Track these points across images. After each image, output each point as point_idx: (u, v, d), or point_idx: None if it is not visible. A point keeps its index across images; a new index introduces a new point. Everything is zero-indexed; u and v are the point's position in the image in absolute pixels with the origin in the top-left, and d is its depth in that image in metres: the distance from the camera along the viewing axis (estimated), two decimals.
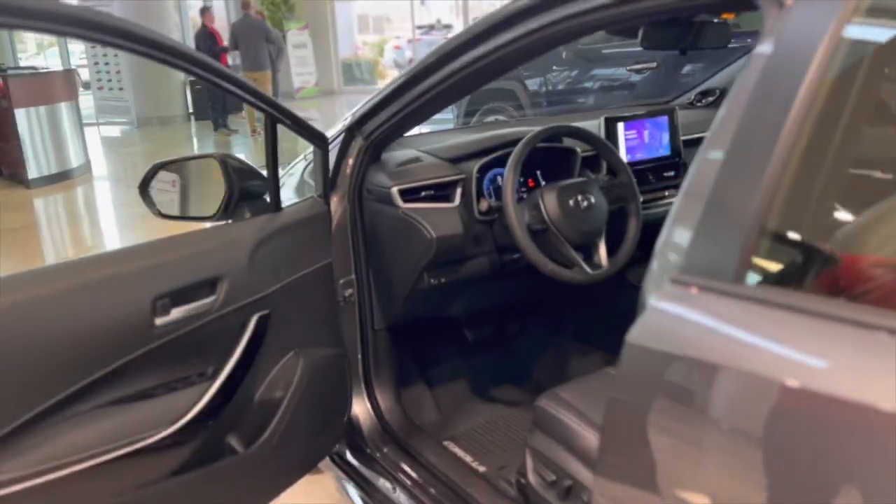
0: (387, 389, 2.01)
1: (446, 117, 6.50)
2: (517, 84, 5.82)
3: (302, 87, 14.68)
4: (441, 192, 1.85)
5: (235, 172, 1.59)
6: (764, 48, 0.83)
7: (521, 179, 1.96)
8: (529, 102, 5.86)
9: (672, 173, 2.22)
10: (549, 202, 1.78)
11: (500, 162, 1.98)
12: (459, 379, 2.34)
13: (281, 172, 1.88)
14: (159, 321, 1.29)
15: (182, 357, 1.35)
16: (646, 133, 2.14)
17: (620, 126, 2.09)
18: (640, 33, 1.62)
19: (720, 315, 0.80)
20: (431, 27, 17.26)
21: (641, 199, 1.93)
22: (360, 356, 1.95)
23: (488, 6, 9.83)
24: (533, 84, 5.97)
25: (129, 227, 5.93)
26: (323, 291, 1.77)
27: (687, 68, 5.12)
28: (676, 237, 0.89)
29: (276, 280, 1.55)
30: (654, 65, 5.32)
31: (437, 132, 2.36)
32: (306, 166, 2.06)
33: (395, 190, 1.79)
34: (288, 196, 1.86)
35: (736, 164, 0.82)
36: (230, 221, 1.61)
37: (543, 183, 2.07)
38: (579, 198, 1.79)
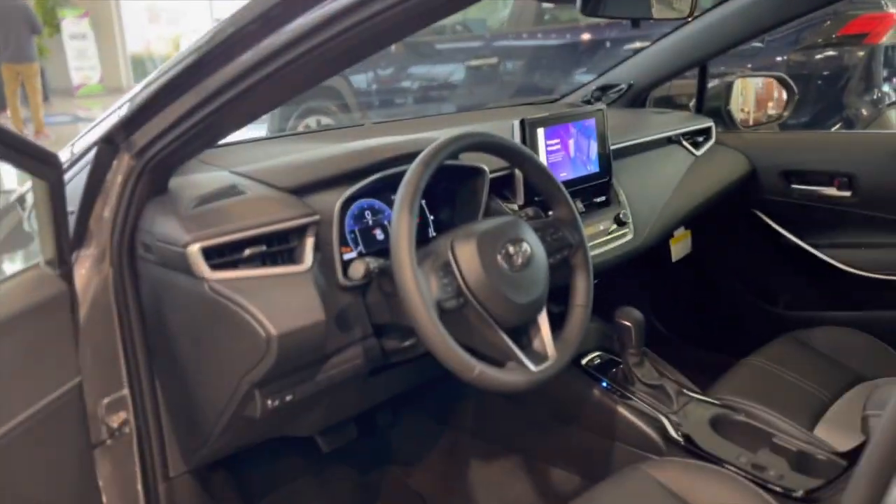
0: None
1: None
2: (341, 80, 5.05)
3: (83, 84, 12.82)
4: (280, 246, 1.08)
5: None
6: None
7: None
8: (356, 102, 5.12)
9: (602, 198, 1.59)
10: (466, 260, 1.07)
11: (374, 191, 1.24)
12: None
13: None
14: None
15: None
16: (571, 143, 1.49)
17: (541, 133, 1.43)
18: None
19: None
20: None
21: None
22: None
23: None
24: (359, 81, 5.23)
25: None
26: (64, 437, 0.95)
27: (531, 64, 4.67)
28: None
29: None
30: (495, 60, 4.81)
31: (257, 141, 1.57)
32: (28, 210, 1.20)
33: (195, 249, 0.99)
34: None
35: None
36: None
37: (432, 221, 1.36)
38: (510, 249, 1.10)
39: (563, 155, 1.48)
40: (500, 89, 4.75)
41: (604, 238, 1.51)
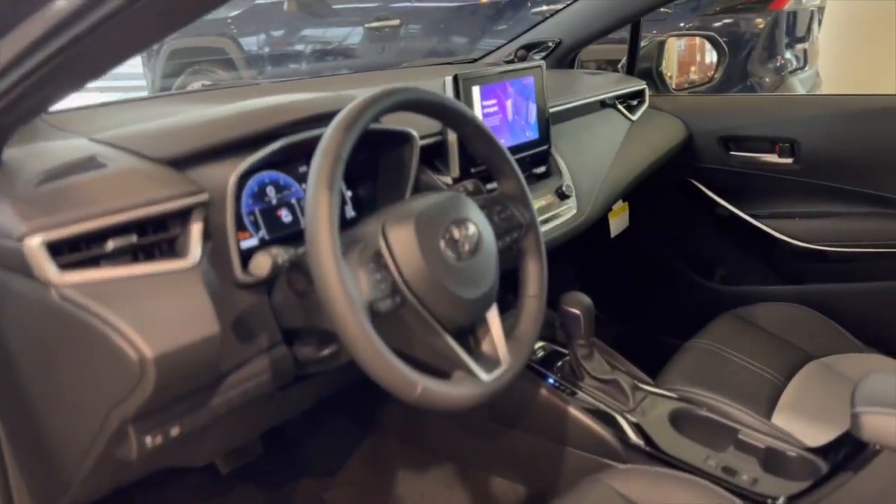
0: None
1: (135, 84, 5.10)
2: (228, 41, 4.64)
3: None
4: (156, 236, 0.83)
5: None
6: None
7: None
8: (245, 64, 4.72)
9: (542, 169, 1.40)
10: (403, 248, 0.84)
11: (279, 162, 1.00)
12: None
13: None
14: None
15: None
16: (509, 104, 1.28)
17: (476, 92, 1.21)
18: None
19: None
20: None
21: None
22: None
23: None
24: (249, 43, 4.82)
25: None
26: None
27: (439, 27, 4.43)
28: None
29: None
30: (397, 22, 4.53)
31: (128, 102, 1.29)
32: None
33: (35, 243, 0.73)
34: None
35: None
36: None
37: (350, 199, 1.13)
38: (455, 233, 0.89)
39: (501, 118, 1.27)
40: (403, 54, 4.49)
41: (547, 215, 1.32)
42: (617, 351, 1.42)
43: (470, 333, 0.94)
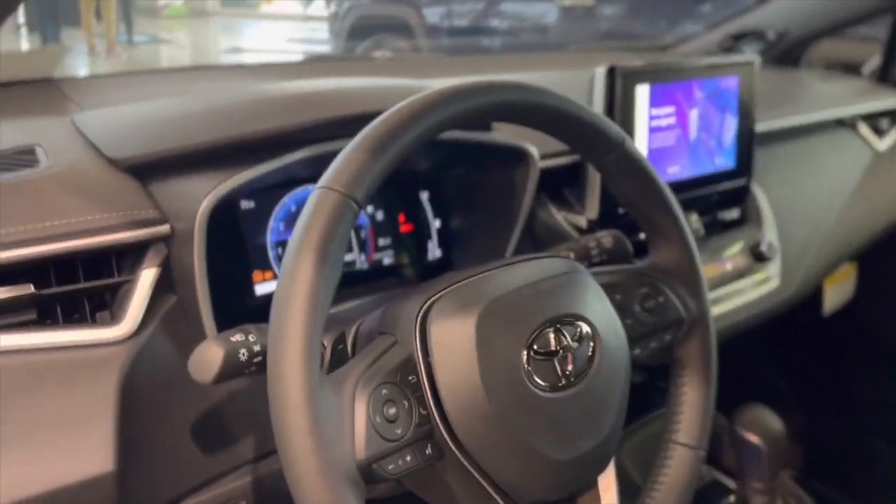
0: None
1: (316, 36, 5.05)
2: (411, 11, 4.41)
3: (168, 4, 12.56)
4: (85, 284, 0.53)
5: None
6: None
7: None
8: (426, 39, 4.47)
9: (735, 214, 0.96)
10: (450, 361, 0.48)
11: (313, 176, 0.68)
12: None
13: None
14: None
15: None
16: (693, 115, 0.86)
17: (643, 93, 0.80)
18: None
19: None
20: None
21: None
22: None
23: None
24: (432, 14, 4.57)
25: None
26: None
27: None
28: None
29: None
30: (591, 2, 4.09)
31: (175, 72, 1.05)
32: None
33: None
34: None
35: None
36: None
37: (437, 231, 0.78)
38: (551, 340, 0.50)
39: (678, 135, 0.85)
40: (592, 39, 4.04)
41: (732, 287, 0.88)
42: (822, 483, 0.95)
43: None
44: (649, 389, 1.01)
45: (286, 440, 0.40)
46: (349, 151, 0.45)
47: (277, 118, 0.60)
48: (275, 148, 0.60)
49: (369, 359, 0.47)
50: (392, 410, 0.46)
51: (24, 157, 0.58)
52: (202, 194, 0.55)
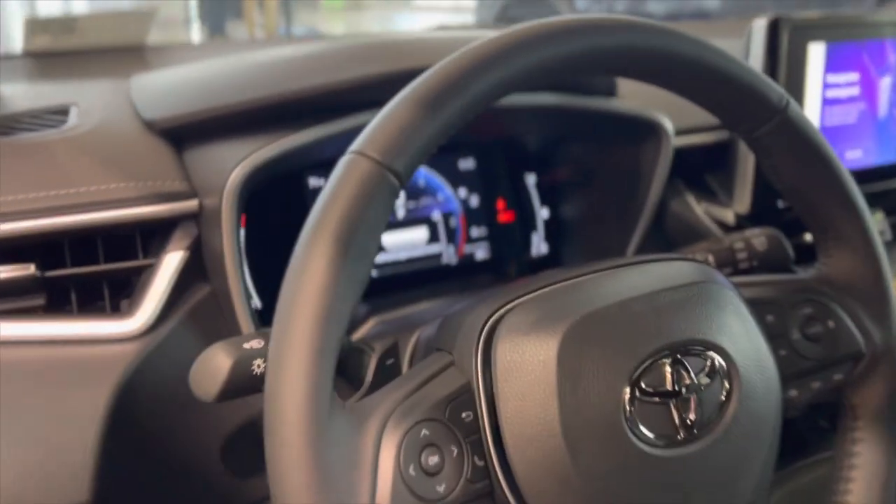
0: None
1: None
2: (561, 1, 4.22)
3: None
4: (101, 266, 0.46)
5: None
6: None
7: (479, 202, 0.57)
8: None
9: None
10: (522, 396, 0.35)
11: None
12: None
13: None
14: None
15: None
16: (884, 84, 0.67)
17: (817, 54, 0.63)
18: None
19: None
20: None
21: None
22: None
23: None
24: (584, 4, 4.36)
25: None
26: None
27: None
28: None
29: None
30: None
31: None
32: None
33: None
34: None
35: None
36: None
37: (545, 222, 0.65)
38: (666, 375, 0.36)
39: (862, 110, 0.67)
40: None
41: None
42: None
43: None
44: (807, 426, 0.82)
45: (278, 485, 0.30)
46: (392, 107, 0.33)
47: (333, 74, 0.49)
48: (335, 110, 0.50)
49: (412, 384, 0.36)
50: (434, 459, 0.34)
51: (54, 116, 0.52)
52: (232, 164, 0.46)
